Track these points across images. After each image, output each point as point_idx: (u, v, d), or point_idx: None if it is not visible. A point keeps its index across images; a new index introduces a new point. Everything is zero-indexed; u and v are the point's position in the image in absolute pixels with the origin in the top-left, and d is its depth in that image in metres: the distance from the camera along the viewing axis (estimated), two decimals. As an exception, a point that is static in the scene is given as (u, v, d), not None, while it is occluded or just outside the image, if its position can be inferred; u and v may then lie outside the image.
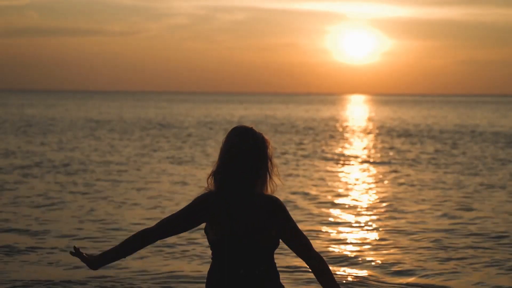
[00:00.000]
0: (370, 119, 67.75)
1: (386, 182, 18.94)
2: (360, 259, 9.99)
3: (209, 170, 4.54)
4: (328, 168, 22.52)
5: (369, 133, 44.38)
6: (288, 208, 4.45)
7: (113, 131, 41.50)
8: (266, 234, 4.38)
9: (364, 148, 31.51)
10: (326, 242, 11.04)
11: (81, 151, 27.07)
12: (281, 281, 4.58)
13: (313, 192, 16.65)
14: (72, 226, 12.06)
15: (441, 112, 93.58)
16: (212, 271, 4.46)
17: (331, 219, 13.09)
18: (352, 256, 10.17)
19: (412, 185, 18.13)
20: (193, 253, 10.01)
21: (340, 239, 11.32)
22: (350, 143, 34.88)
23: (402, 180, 19.22)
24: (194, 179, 19.08)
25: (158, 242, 10.41)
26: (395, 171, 21.56)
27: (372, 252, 10.41)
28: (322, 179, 19.51)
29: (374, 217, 13.37)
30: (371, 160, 25.68)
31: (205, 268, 8.63)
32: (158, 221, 4.61)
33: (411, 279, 8.93)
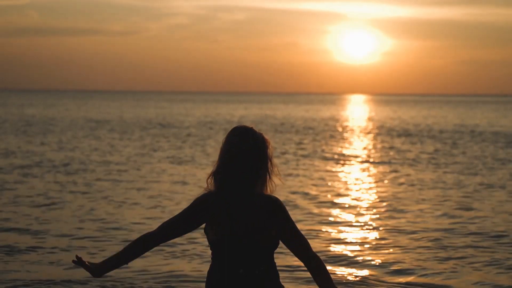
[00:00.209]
0: (370, 119, 67.75)
1: (386, 181, 18.95)
2: (360, 258, 10.00)
3: (209, 170, 4.55)
4: (328, 168, 22.53)
5: (369, 133, 44.38)
6: (288, 208, 4.46)
7: (113, 131, 41.51)
8: (266, 234, 4.38)
9: (364, 148, 31.51)
10: (326, 242, 11.05)
11: (81, 151, 27.08)
12: (282, 280, 4.58)
13: (313, 191, 16.66)
14: (72, 225, 12.07)
15: (441, 112, 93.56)
16: (212, 271, 4.47)
17: (331, 219, 13.10)
18: (352, 255, 10.18)
19: (412, 185, 18.14)
20: (193, 253, 10.02)
21: (340, 239, 11.33)
22: (350, 143, 34.89)
23: (402, 180, 19.23)
24: (194, 178, 19.09)
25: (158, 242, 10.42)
26: (395, 171, 21.57)
27: (372, 252, 10.42)
28: (322, 178, 19.52)
29: (374, 217, 13.38)
30: (371, 159, 25.69)
31: (205, 268, 8.64)
32: (159, 224, 4.62)
33: (411, 278, 8.94)
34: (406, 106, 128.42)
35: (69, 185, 17.21)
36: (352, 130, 48.00)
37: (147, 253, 9.72)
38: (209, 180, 4.50)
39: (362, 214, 13.65)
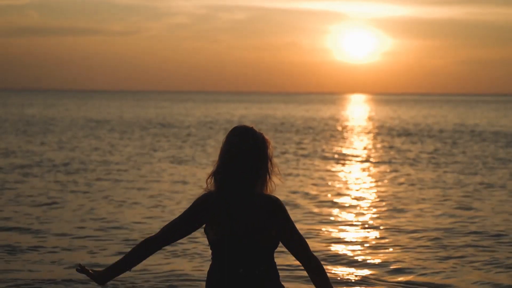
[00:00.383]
0: (370, 119, 67.75)
1: (386, 181, 18.97)
2: (360, 257, 10.02)
3: (209, 169, 4.55)
4: (328, 168, 22.55)
5: (369, 132, 44.39)
6: (288, 208, 4.47)
7: (113, 131, 41.52)
8: (266, 234, 4.37)
9: (364, 148, 31.52)
10: (326, 241, 11.06)
11: (82, 151, 27.10)
12: (282, 279, 4.59)
13: (313, 191, 16.67)
14: (73, 225, 12.09)
15: (441, 111, 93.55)
16: (212, 271, 4.47)
17: (331, 218, 13.11)
18: (352, 254, 10.20)
19: (412, 184, 18.16)
20: (194, 252, 10.04)
21: (340, 238, 11.35)
22: (350, 143, 34.90)
23: (402, 179, 19.25)
24: (194, 178, 19.11)
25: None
26: (395, 170, 21.58)
27: (372, 251, 10.44)
28: (322, 178, 19.54)
29: (374, 216, 13.39)
30: (371, 159, 25.70)
31: (206, 267, 8.66)
32: (159, 223, 4.63)
33: (411, 278, 8.96)
34: (406, 106, 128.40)
35: (69, 184, 17.23)
36: (352, 129, 48.01)
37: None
38: (209, 180, 4.49)
39: (362, 214, 13.67)
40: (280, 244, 4.50)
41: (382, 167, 22.67)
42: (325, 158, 25.83)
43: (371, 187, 17.73)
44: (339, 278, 8.92)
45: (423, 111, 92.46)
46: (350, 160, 25.25)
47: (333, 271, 9.25)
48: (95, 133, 39.17)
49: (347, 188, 17.51)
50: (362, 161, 24.95)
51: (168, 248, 10.02)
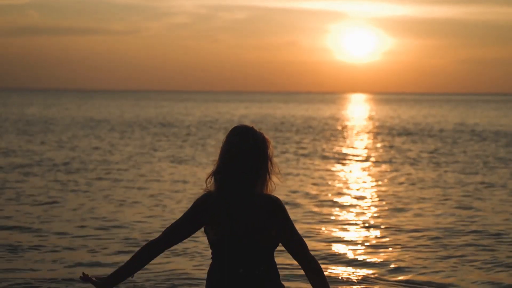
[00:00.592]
0: (370, 118, 67.75)
1: (386, 180, 18.97)
2: (360, 257, 10.02)
3: (209, 169, 4.55)
4: (328, 167, 22.55)
5: (369, 132, 44.39)
6: (288, 207, 4.48)
7: (113, 130, 41.52)
8: (266, 234, 4.37)
9: (365, 147, 31.52)
10: (327, 241, 11.07)
11: (82, 150, 27.10)
12: (282, 278, 4.59)
13: (313, 191, 16.67)
14: (74, 224, 12.10)
15: (441, 111, 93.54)
16: (212, 271, 4.47)
17: (331, 218, 13.12)
18: (353, 254, 10.21)
19: (413, 184, 18.17)
20: (194, 251, 10.04)
21: (340, 238, 11.35)
22: (350, 142, 34.90)
23: (402, 179, 19.25)
24: (195, 178, 19.11)
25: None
26: (396, 170, 21.59)
27: (372, 250, 10.45)
28: (322, 178, 19.54)
29: (375, 216, 13.40)
30: (371, 158, 25.70)
31: (206, 266, 8.67)
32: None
33: (411, 277, 8.96)
34: (407, 105, 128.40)
35: (70, 184, 17.24)
36: (352, 129, 48.01)
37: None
38: (208, 180, 4.48)
39: (363, 213, 13.67)
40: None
41: (382, 167, 22.68)
42: (325, 158, 25.84)
43: (371, 187, 17.74)
44: (339, 277, 8.93)
45: (423, 111, 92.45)
46: (350, 160, 25.26)
47: (333, 270, 9.25)
48: (95, 132, 39.18)
49: (347, 188, 17.51)
50: (362, 161, 24.95)
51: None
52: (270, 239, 4.39)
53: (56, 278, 8.63)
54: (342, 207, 14.41)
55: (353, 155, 27.11)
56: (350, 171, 21.50)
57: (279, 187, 4.57)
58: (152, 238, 4.69)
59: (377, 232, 11.80)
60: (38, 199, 14.79)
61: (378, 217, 13.28)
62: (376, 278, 8.95)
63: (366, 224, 12.50)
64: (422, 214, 13.51)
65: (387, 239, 11.23)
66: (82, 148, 28.26)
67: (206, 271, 4.59)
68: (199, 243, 10.38)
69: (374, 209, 14.15)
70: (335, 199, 15.39)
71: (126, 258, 9.70)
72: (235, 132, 4.46)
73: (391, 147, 31.34)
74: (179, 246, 10.20)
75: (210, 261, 4.53)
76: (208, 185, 4.49)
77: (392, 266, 9.50)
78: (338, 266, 9.52)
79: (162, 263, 9.34)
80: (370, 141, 35.78)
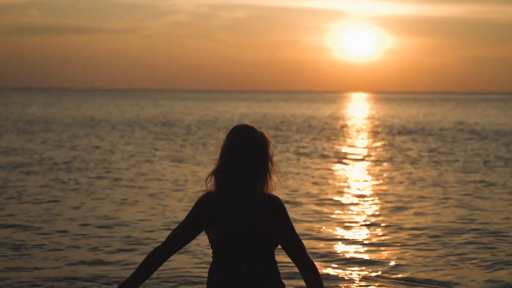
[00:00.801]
0: (371, 117, 67.76)
1: (386, 179, 19.00)
2: (361, 255, 10.06)
3: (209, 168, 4.56)
4: (329, 166, 22.58)
5: (369, 131, 44.42)
6: (288, 206, 4.49)
7: (113, 129, 41.56)
8: (266, 234, 4.36)
9: (365, 146, 31.55)
10: (327, 240, 11.10)
11: (82, 149, 27.14)
12: (284, 276, 4.60)
13: (314, 190, 16.70)
14: (75, 223, 12.14)
15: (442, 110, 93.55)
16: (212, 271, 4.47)
17: (332, 217, 13.15)
18: (353, 252, 10.25)
19: (413, 183, 18.20)
20: (195, 250, 10.07)
21: (341, 236, 11.39)
22: (351, 141, 34.93)
23: (402, 178, 19.28)
24: (195, 177, 19.14)
25: (162, 239, 10.48)
26: (396, 169, 21.62)
27: (373, 248, 10.48)
28: (323, 177, 19.57)
29: (375, 214, 13.43)
30: (372, 157, 25.73)
31: (208, 265, 8.70)
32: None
33: (411, 275, 9.00)
34: (407, 104, 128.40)
35: (70, 182, 17.28)
36: (352, 128, 48.03)
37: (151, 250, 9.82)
38: (208, 179, 4.47)
39: (363, 212, 13.71)
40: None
41: (383, 166, 22.71)
42: (325, 157, 25.87)
43: (371, 186, 17.77)
44: (340, 276, 8.96)
45: (424, 110, 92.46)
46: (351, 159, 25.28)
47: (334, 269, 9.29)
48: (95, 131, 39.21)
49: (348, 187, 17.54)
50: (362, 160, 24.98)
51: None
52: (270, 239, 4.38)
53: (59, 277, 8.66)
54: (343, 206, 14.45)
55: (354, 154, 27.14)
56: (351, 170, 21.53)
57: (279, 186, 4.58)
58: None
59: (377, 231, 11.83)
60: (40, 198, 14.83)
61: (378, 215, 13.32)
62: (376, 276, 8.98)
63: (367, 223, 12.53)
64: (422, 213, 13.55)
65: (388, 237, 11.27)
66: (82, 147, 28.30)
67: (207, 270, 4.61)
68: (200, 242, 10.40)
69: (374, 208, 14.19)
70: (336, 198, 15.43)
71: (128, 256, 9.75)
72: (235, 132, 4.44)
73: (392, 146, 31.37)
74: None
75: (211, 260, 4.55)
76: (208, 185, 4.47)
77: (392, 264, 9.54)
78: (338, 264, 9.56)
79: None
80: (371, 140, 35.81)
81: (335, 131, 44.21)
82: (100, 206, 13.94)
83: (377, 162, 24.08)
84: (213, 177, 4.46)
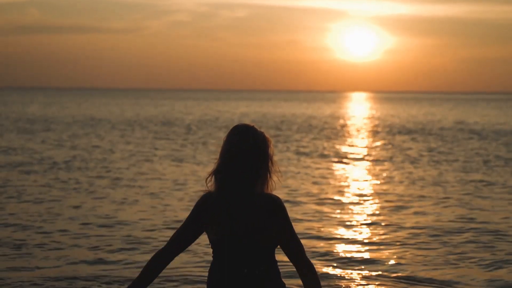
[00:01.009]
0: (371, 117, 67.76)
1: (386, 179, 19.01)
2: (361, 254, 10.07)
3: (210, 167, 4.57)
4: (329, 166, 22.59)
5: (370, 130, 44.42)
6: (288, 206, 4.49)
7: (114, 129, 41.56)
8: (266, 234, 4.35)
9: (365, 146, 31.56)
10: (327, 239, 11.11)
11: (82, 149, 27.14)
12: (284, 276, 4.60)
13: (314, 189, 16.72)
14: (77, 222, 12.15)
15: (442, 109, 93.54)
16: (212, 271, 4.47)
17: (332, 216, 13.16)
18: (353, 251, 10.26)
19: (413, 182, 18.21)
20: (196, 249, 10.07)
21: (341, 236, 11.40)
22: (351, 141, 34.93)
23: (403, 177, 19.29)
24: (195, 176, 19.15)
25: (163, 238, 10.50)
26: (396, 168, 21.63)
27: (373, 248, 10.49)
28: (323, 176, 19.58)
29: (375, 214, 13.45)
30: (372, 157, 25.74)
31: (208, 264, 8.71)
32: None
33: (411, 274, 9.01)
34: (407, 104, 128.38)
35: (71, 182, 17.29)
36: (353, 127, 48.04)
37: (152, 250, 9.82)
38: (209, 179, 4.46)
39: (363, 211, 13.72)
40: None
41: (383, 165, 22.72)
42: (325, 156, 25.88)
43: (371, 185, 17.78)
44: (340, 275, 8.97)
45: (424, 109, 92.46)
46: (351, 158, 25.29)
47: (334, 268, 9.30)
48: (95, 131, 39.22)
49: (348, 186, 17.56)
50: (362, 159, 24.99)
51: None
52: (270, 239, 4.37)
53: (60, 276, 8.67)
54: (343, 205, 14.46)
55: (354, 154, 27.15)
56: (351, 170, 21.54)
57: (280, 186, 4.58)
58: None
59: (377, 230, 11.84)
60: (40, 197, 14.84)
61: (378, 215, 13.33)
62: (377, 275, 8.99)
63: (367, 222, 12.54)
64: (422, 212, 13.56)
65: (388, 236, 11.28)
66: (82, 146, 28.30)
67: (207, 269, 4.61)
68: (201, 241, 10.40)
69: (374, 207, 14.20)
70: (336, 198, 15.44)
71: (128, 255, 9.77)
72: (235, 131, 4.44)
73: (392, 145, 31.38)
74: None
75: (211, 259, 4.55)
76: (208, 184, 4.47)
77: (392, 263, 9.55)
78: (339, 263, 9.57)
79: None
80: (371, 139, 35.81)
81: (335, 130, 44.22)
82: (101, 205, 13.95)
83: (377, 161, 24.09)
84: (213, 176, 4.45)
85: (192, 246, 10.15)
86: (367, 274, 9.03)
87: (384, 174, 20.08)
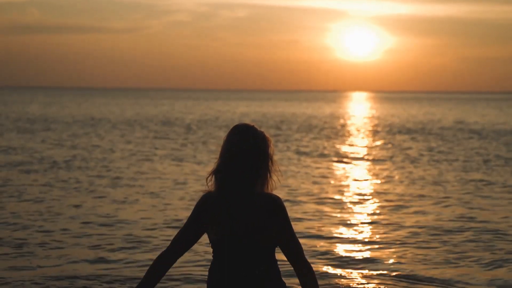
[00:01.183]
0: (371, 116, 67.77)
1: (386, 178, 19.02)
2: (361, 253, 10.09)
3: (210, 167, 4.57)
4: (329, 165, 22.60)
5: (370, 130, 44.44)
6: (289, 205, 4.50)
7: (114, 128, 41.57)
8: (266, 233, 4.35)
9: (365, 145, 31.57)
10: (327, 239, 11.13)
11: (83, 148, 27.16)
12: (284, 275, 4.61)
13: (314, 189, 16.73)
14: (77, 221, 12.16)
15: (442, 109, 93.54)
16: (212, 271, 4.47)
17: (332, 215, 13.17)
18: (353, 251, 10.27)
19: (413, 182, 18.22)
20: (196, 249, 10.09)
21: (341, 235, 11.41)
22: (351, 140, 34.95)
23: (403, 177, 19.30)
24: (196, 176, 19.17)
25: (163, 237, 10.52)
26: (396, 168, 21.64)
27: (373, 247, 10.50)
28: (323, 176, 19.59)
29: (375, 213, 13.46)
30: (372, 157, 25.76)
31: (208, 264, 8.72)
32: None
33: (411, 273, 9.02)
34: (407, 103, 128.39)
35: (71, 181, 17.30)
36: (353, 127, 48.05)
37: (154, 249, 9.85)
38: (209, 179, 4.46)
39: (363, 211, 13.73)
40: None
41: (383, 165, 22.73)
42: (325, 156, 25.89)
43: (371, 185, 17.80)
44: (340, 274, 8.99)
45: (424, 109, 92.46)
46: (351, 158, 25.30)
47: (334, 267, 9.31)
48: (96, 130, 39.23)
49: (348, 186, 17.57)
50: (362, 159, 25.00)
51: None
52: (270, 239, 4.37)
53: (60, 275, 8.68)
54: (343, 204, 14.47)
55: (354, 153, 27.16)
56: (351, 169, 21.56)
57: (280, 185, 4.58)
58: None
59: (378, 229, 11.85)
60: (40, 196, 14.85)
61: (378, 214, 13.34)
62: (377, 274, 9.01)
63: (367, 221, 12.56)
64: (423, 211, 13.58)
65: (388, 235, 11.30)
66: (82, 146, 28.32)
67: (207, 269, 4.62)
68: (201, 240, 10.42)
69: (374, 207, 14.21)
70: (336, 197, 15.45)
71: (129, 254, 9.78)
72: (235, 131, 4.44)
73: (392, 145, 31.39)
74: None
75: (211, 259, 4.56)
76: (208, 184, 4.47)
77: (392, 262, 9.56)
78: (339, 262, 9.58)
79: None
80: (371, 139, 35.82)
81: (335, 130, 44.23)
82: (101, 204, 13.97)
83: (377, 161, 24.11)
84: (213, 176, 4.45)
85: (193, 247, 10.17)
86: (367, 273, 9.05)
87: (384, 174, 20.10)
